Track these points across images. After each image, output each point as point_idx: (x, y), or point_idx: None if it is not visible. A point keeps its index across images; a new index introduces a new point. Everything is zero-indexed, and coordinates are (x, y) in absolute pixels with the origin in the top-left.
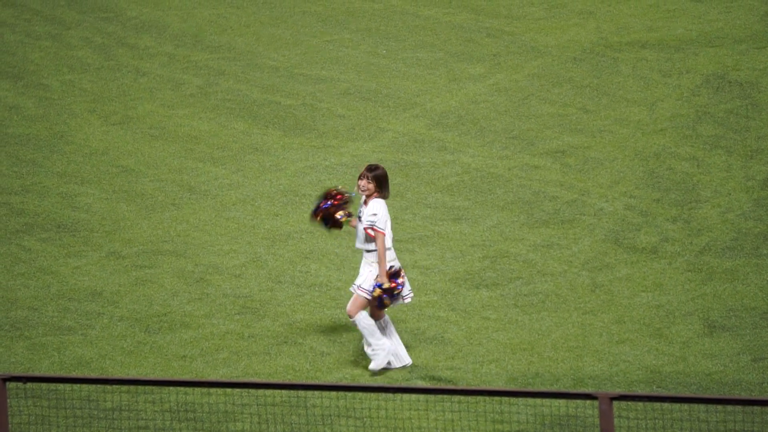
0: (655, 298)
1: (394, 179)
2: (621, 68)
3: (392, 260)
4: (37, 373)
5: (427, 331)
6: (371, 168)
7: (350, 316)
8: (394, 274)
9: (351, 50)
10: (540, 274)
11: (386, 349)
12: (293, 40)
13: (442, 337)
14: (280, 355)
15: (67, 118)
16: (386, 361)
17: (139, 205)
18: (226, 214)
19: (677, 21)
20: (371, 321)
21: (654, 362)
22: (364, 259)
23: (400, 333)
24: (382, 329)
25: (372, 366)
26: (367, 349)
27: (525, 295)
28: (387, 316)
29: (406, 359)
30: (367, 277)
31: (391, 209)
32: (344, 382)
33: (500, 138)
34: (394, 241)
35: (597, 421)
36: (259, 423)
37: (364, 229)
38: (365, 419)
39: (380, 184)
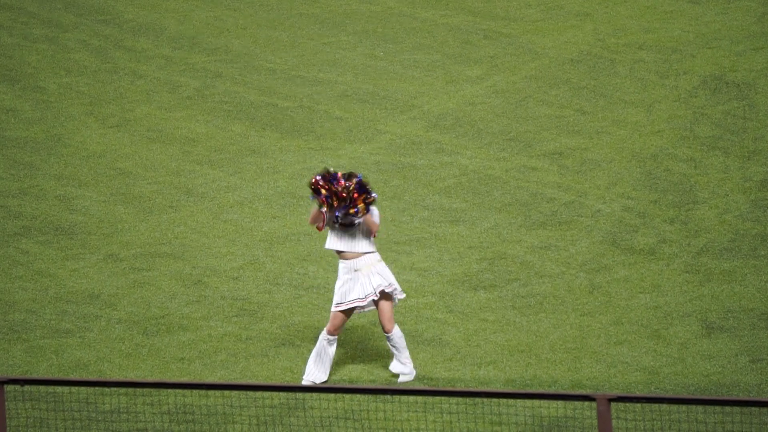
0: (653, 300)
1: (391, 181)
2: (618, 70)
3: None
4: (35, 376)
5: (425, 332)
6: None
7: (388, 332)
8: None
9: (348, 52)
10: (538, 276)
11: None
12: (290, 43)
13: (440, 338)
14: (278, 357)
15: (65, 120)
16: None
17: (136, 208)
18: (224, 216)
19: (674, 22)
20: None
21: (652, 363)
22: (361, 268)
23: None
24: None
25: (406, 377)
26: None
27: (523, 296)
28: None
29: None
30: (387, 274)
31: (389, 211)
32: (342, 384)
33: (497, 140)
34: (393, 242)
35: (595, 422)
36: (257, 425)
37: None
38: (363, 421)
39: None
